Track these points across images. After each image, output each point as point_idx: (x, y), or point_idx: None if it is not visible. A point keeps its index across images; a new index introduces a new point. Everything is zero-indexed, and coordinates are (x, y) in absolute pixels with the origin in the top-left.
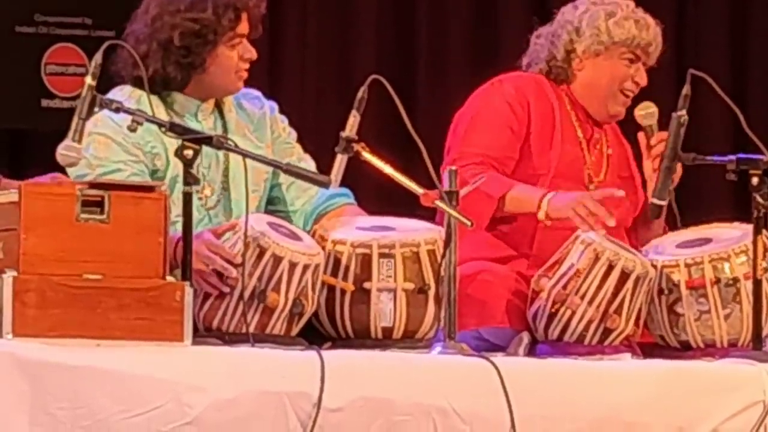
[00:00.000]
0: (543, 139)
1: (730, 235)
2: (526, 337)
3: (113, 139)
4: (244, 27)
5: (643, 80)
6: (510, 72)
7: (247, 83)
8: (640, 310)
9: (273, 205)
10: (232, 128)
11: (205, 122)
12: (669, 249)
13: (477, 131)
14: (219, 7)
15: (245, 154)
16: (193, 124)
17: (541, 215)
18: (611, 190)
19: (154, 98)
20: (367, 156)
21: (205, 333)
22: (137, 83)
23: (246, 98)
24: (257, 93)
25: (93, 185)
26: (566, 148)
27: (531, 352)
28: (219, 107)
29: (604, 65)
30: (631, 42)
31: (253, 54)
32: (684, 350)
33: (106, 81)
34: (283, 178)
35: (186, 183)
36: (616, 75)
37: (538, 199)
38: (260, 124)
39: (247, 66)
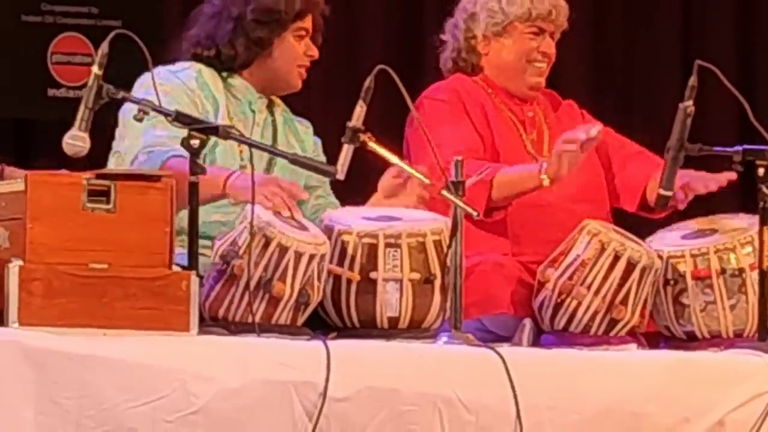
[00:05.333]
0: (485, 133)
1: (737, 226)
2: (528, 323)
3: (173, 91)
4: (309, 23)
5: (550, 49)
6: (429, 86)
7: None
8: (645, 300)
9: None
10: (280, 130)
11: (257, 113)
12: (674, 240)
13: (441, 134)
14: None
15: (251, 143)
16: (246, 111)
17: (545, 183)
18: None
19: (215, 74)
20: (374, 146)
21: (211, 323)
22: (197, 59)
23: (296, 120)
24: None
25: (99, 175)
26: (504, 135)
27: (536, 342)
28: (271, 109)
29: (507, 44)
30: (528, 16)
31: (315, 53)
32: (690, 341)
33: (112, 70)
34: (312, 199)
35: (192, 173)
36: (520, 51)
37: (537, 173)
38: (305, 138)
39: (308, 64)
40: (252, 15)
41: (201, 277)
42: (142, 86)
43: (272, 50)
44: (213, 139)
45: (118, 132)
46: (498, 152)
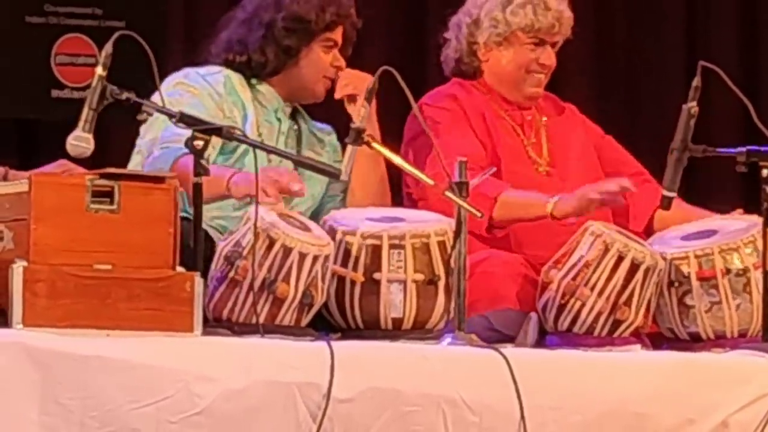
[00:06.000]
0: (485, 139)
1: (736, 227)
2: (534, 316)
3: (200, 94)
4: (338, 35)
5: (549, 61)
6: (430, 90)
7: None
8: (649, 301)
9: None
10: (304, 138)
11: (283, 121)
12: (675, 241)
13: (442, 142)
14: (324, 2)
15: (256, 145)
16: (271, 119)
17: (549, 209)
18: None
19: (243, 81)
20: (377, 147)
21: (214, 323)
22: (228, 65)
23: (317, 126)
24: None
25: (103, 175)
26: (504, 140)
27: (541, 342)
28: (295, 117)
29: (506, 54)
30: (531, 28)
31: (343, 64)
32: (694, 341)
33: (116, 71)
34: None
35: (196, 174)
36: (520, 62)
37: (544, 202)
38: (328, 147)
39: (334, 75)
40: (282, 23)
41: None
42: (170, 85)
43: (299, 59)
44: (242, 147)
45: (142, 129)
46: (499, 158)
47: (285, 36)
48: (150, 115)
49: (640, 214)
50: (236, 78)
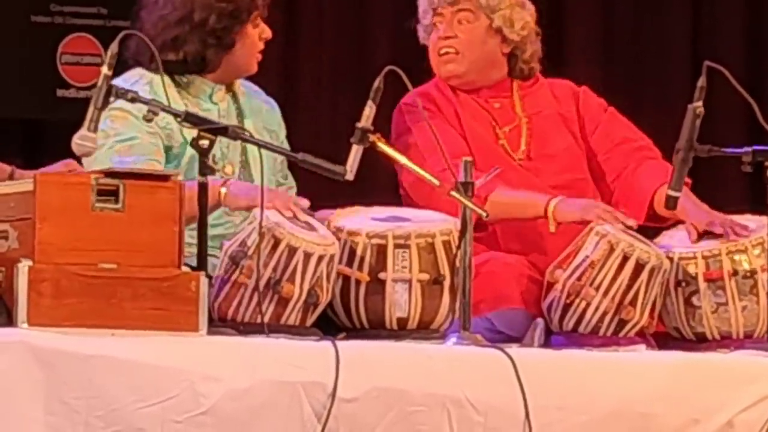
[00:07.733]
0: (458, 131)
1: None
2: (540, 322)
3: (130, 112)
4: (263, 8)
5: (445, 32)
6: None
7: (264, 75)
8: (654, 301)
9: None
10: (247, 111)
11: (220, 104)
12: (684, 241)
13: (428, 139)
14: None
15: (261, 144)
16: (208, 106)
17: (549, 210)
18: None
19: (168, 80)
20: (383, 147)
21: (220, 323)
22: (159, 67)
23: (251, 89)
24: (257, 87)
25: (108, 174)
26: (475, 129)
27: (546, 343)
28: (231, 91)
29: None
30: (425, 10)
31: (269, 34)
32: (699, 342)
33: (121, 70)
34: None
35: (201, 173)
36: (432, 47)
37: (545, 203)
38: (270, 114)
39: (263, 46)
40: (219, 23)
41: (210, 277)
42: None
43: (235, 48)
44: (187, 156)
45: (85, 161)
46: (469, 147)
47: (224, 35)
48: (156, 114)
49: (637, 205)
50: (158, 81)
